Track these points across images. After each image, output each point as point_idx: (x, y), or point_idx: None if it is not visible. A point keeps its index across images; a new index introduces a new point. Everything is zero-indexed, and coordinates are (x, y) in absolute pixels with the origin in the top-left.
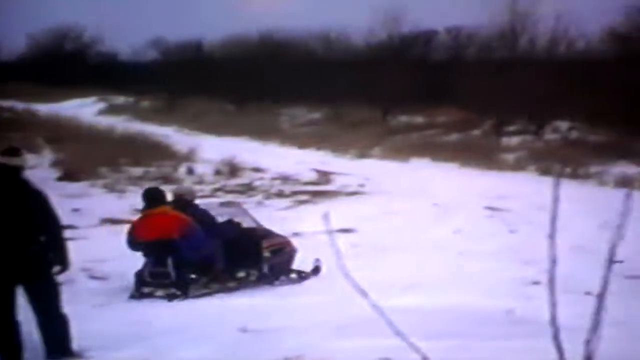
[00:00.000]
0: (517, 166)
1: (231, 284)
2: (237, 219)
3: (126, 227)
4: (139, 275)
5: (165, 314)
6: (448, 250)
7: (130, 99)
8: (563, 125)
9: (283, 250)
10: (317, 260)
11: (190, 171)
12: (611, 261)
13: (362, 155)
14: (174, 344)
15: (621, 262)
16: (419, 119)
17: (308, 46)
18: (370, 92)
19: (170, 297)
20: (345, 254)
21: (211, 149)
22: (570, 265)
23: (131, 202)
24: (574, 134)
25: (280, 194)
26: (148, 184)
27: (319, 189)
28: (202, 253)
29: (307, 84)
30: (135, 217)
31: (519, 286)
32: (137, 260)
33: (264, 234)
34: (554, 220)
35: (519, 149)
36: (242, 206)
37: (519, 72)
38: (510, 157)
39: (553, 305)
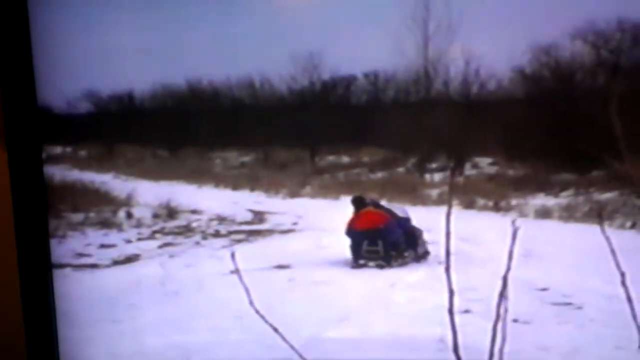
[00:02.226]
0: (440, 201)
1: (405, 260)
2: (404, 215)
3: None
4: (357, 252)
5: None
6: (379, 281)
7: (68, 149)
8: (482, 161)
9: (422, 238)
10: (427, 246)
11: (129, 215)
12: (502, 293)
13: (294, 194)
14: None
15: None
16: (345, 159)
17: (234, 93)
18: (297, 135)
19: (379, 267)
20: (282, 288)
21: (148, 193)
22: (498, 294)
23: (72, 247)
24: (493, 169)
25: (217, 234)
26: (88, 229)
27: (254, 228)
28: (395, 238)
29: (237, 128)
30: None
31: (449, 315)
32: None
33: (415, 226)
34: (447, 255)
35: (442, 184)
36: (404, 207)
37: (435, 112)
38: (433, 192)
39: (454, 333)
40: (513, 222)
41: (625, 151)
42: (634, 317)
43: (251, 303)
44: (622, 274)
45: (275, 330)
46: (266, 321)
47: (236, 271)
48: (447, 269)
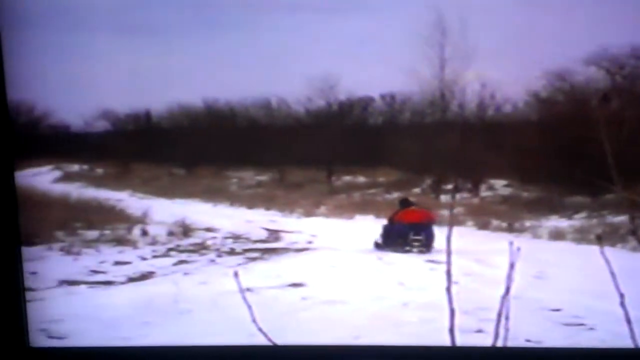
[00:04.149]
0: (456, 221)
1: (434, 248)
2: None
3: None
4: (405, 240)
5: None
6: (392, 301)
7: (85, 167)
8: (497, 183)
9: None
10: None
11: (144, 233)
12: (500, 314)
13: (309, 213)
14: None
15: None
16: (361, 179)
17: (250, 113)
18: (313, 155)
19: (421, 252)
20: (296, 306)
21: (164, 211)
22: (512, 315)
23: (86, 264)
24: (508, 191)
25: (231, 252)
26: (103, 246)
27: (268, 246)
28: (432, 230)
29: (253, 148)
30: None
31: (462, 334)
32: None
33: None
34: (449, 274)
35: (457, 205)
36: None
37: (451, 134)
38: (448, 213)
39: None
40: (511, 243)
41: (616, 176)
42: (632, 337)
43: (254, 321)
44: (621, 295)
45: (275, 346)
46: (269, 339)
47: (240, 290)
48: (448, 289)
